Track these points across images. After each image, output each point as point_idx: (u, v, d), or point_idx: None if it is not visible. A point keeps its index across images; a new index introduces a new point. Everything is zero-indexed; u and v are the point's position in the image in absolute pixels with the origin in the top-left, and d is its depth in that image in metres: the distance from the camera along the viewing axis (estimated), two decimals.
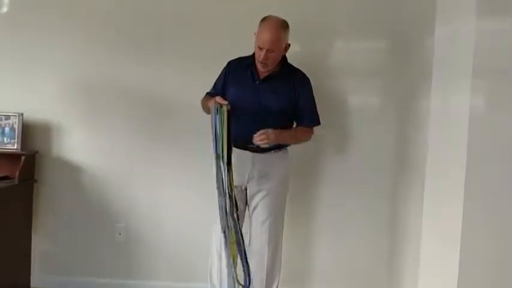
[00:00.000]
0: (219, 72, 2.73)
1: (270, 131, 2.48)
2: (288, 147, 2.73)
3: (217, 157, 2.39)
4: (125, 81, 3.10)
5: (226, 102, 2.43)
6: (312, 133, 2.74)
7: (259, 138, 2.47)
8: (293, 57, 2.72)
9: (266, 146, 2.52)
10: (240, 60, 2.70)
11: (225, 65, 2.72)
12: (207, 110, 2.63)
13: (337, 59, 3.04)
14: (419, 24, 2.70)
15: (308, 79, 2.69)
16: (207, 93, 2.75)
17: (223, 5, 3.00)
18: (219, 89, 2.69)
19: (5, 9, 3.12)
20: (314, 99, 2.69)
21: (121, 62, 3.08)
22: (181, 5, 3.05)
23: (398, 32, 2.95)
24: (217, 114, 2.38)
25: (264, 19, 2.54)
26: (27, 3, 3.12)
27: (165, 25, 3.06)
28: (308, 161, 3.06)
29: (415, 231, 2.51)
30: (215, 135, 2.38)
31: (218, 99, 2.46)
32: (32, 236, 3.10)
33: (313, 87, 2.72)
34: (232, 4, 2.98)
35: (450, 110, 2.13)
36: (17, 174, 2.88)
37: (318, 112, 2.71)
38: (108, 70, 3.10)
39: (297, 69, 2.70)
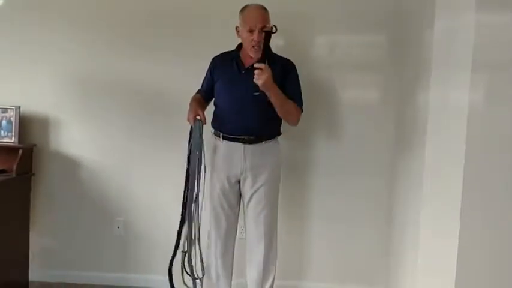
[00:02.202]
0: None
1: (266, 68, 2.38)
2: (279, 138, 2.72)
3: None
4: (124, 76, 3.09)
5: (199, 118, 2.48)
6: (299, 116, 2.64)
7: (257, 72, 2.37)
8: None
9: (260, 82, 2.38)
10: (224, 55, 2.71)
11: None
12: None
13: (335, 52, 3.03)
14: (419, 17, 2.68)
15: (294, 65, 2.67)
16: (198, 90, 2.76)
17: (225, 2, 2.97)
18: (206, 86, 2.73)
19: (0, 2, 3.11)
20: (300, 85, 2.66)
21: (120, 57, 3.08)
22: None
23: (397, 25, 2.94)
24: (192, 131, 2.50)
25: (245, 7, 2.57)
26: None
27: (165, 21, 3.05)
28: (305, 153, 3.07)
29: (414, 222, 2.51)
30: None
31: (192, 116, 2.50)
32: (30, 229, 3.10)
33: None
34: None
35: (449, 103, 2.13)
36: (14, 167, 2.88)
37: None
38: (107, 64, 3.09)
39: (282, 56, 2.68)
